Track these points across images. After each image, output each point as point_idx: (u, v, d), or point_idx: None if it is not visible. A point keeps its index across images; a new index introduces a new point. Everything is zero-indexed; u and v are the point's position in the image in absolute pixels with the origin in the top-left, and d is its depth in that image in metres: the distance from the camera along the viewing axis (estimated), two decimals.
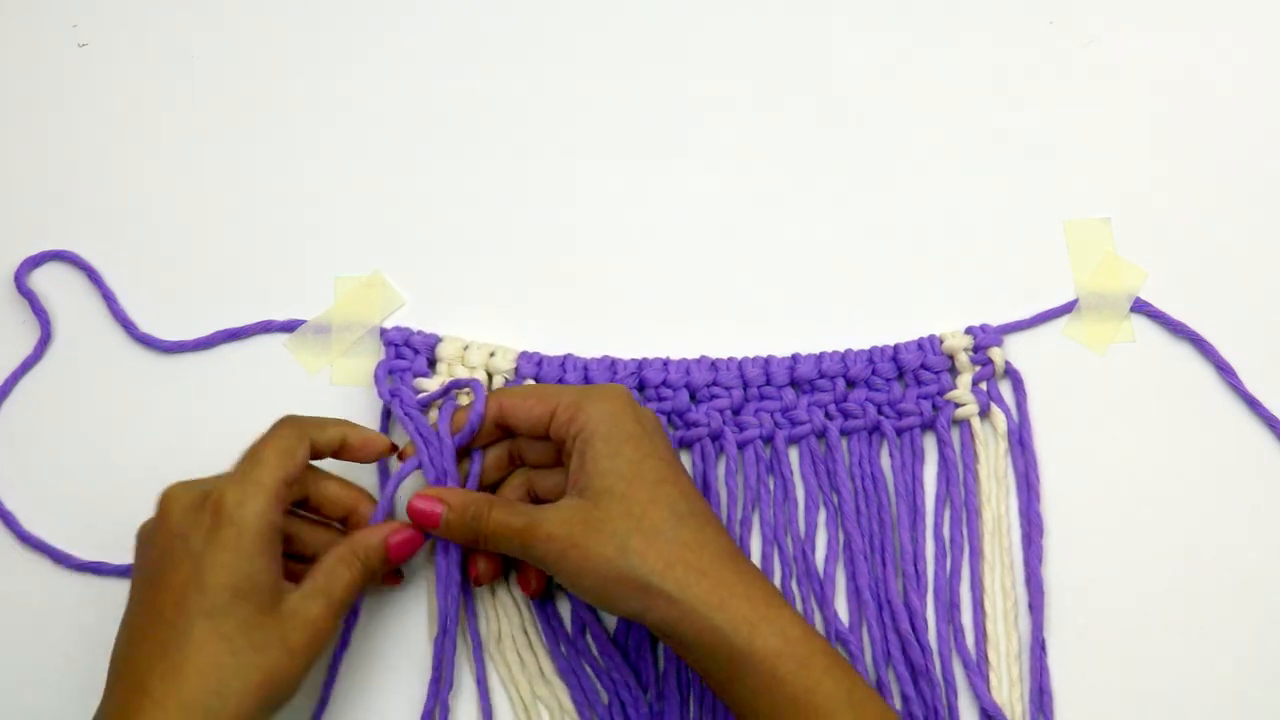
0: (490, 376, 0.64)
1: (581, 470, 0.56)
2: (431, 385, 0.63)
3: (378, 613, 0.61)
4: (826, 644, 0.53)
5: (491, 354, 0.64)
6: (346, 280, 0.67)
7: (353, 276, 0.67)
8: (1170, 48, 0.73)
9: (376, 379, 0.63)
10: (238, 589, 0.52)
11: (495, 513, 0.56)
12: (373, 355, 0.65)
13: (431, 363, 0.65)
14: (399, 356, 0.64)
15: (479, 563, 0.59)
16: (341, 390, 0.65)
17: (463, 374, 0.64)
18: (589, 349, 0.65)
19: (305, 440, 0.56)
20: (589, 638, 0.61)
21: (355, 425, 0.59)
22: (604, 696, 0.60)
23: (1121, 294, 0.67)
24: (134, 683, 0.51)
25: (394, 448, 0.60)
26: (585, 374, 0.64)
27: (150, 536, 0.54)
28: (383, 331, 0.65)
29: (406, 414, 0.60)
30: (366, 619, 0.61)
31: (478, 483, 0.59)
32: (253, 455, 0.55)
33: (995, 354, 0.65)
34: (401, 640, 0.61)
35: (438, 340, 0.65)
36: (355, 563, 0.56)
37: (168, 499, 0.54)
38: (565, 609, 0.61)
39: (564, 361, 0.64)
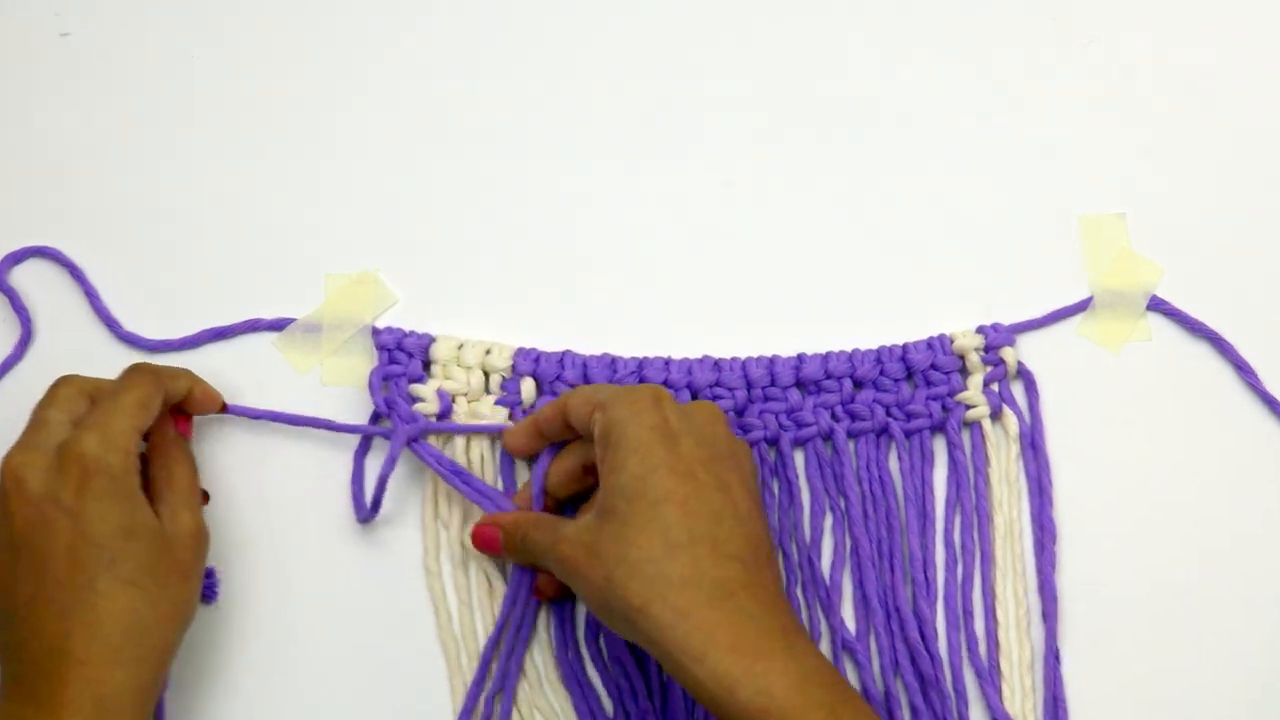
0: (487, 376, 0.63)
1: (600, 482, 0.54)
2: (427, 392, 0.61)
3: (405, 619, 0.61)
4: (832, 693, 0.49)
5: (487, 351, 0.63)
6: (337, 277, 0.66)
7: (343, 274, 0.66)
8: (1178, 42, 0.72)
9: (371, 387, 0.62)
10: (128, 532, 0.53)
11: (533, 531, 0.55)
12: (365, 354, 0.64)
13: (426, 365, 0.63)
14: (393, 361, 0.62)
15: (540, 577, 0.58)
16: (332, 390, 0.64)
17: (459, 375, 0.62)
18: (591, 350, 0.64)
19: (161, 392, 0.57)
20: (602, 643, 0.59)
21: (200, 380, 0.60)
22: (608, 706, 0.59)
23: (1137, 291, 0.65)
24: (48, 649, 0.51)
25: (225, 407, 0.61)
26: (584, 372, 0.62)
27: (3, 507, 0.53)
28: (375, 334, 0.63)
29: (451, 471, 0.60)
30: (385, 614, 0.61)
31: (541, 491, 0.58)
32: (110, 404, 0.55)
33: (1007, 354, 0.63)
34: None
35: (431, 341, 0.63)
36: (174, 453, 0.57)
37: (15, 467, 0.53)
38: (582, 610, 0.60)
39: (562, 358, 0.63)
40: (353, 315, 0.64)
